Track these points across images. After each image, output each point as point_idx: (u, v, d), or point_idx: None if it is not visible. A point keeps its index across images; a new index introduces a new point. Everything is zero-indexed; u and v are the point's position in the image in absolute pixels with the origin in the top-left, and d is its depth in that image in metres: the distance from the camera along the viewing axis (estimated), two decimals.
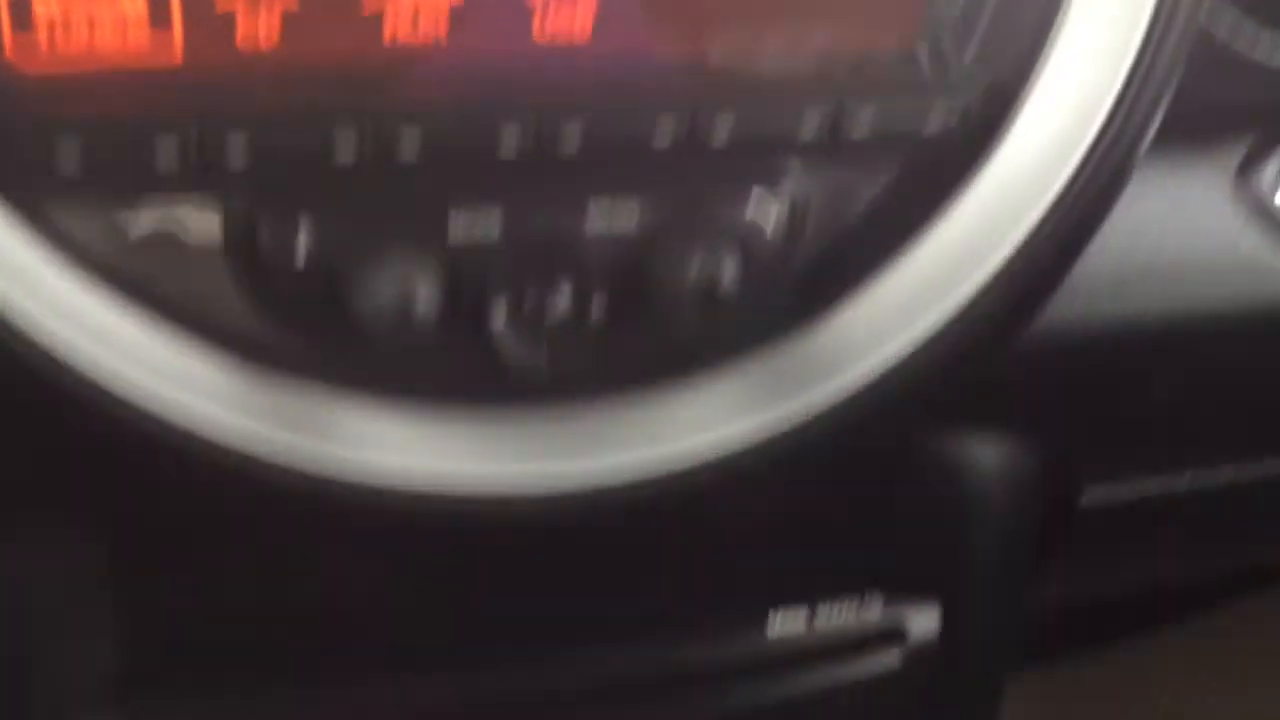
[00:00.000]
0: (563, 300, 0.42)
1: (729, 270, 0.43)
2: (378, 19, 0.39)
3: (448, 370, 0.43)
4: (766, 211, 0.43)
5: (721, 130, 0.42)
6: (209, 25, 0.38)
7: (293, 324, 0.41)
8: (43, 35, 0.37)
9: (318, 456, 0.42)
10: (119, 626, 0.49)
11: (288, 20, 0.39)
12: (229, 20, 0.38)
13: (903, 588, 0.56)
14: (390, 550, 0.48)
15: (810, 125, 0.43)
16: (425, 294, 0.41)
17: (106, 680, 0.49)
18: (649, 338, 0.44)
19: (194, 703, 0.50)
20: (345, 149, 0.39)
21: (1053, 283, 0.48)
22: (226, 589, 0.50)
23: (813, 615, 0.54)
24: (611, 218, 0.42)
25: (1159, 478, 0.62)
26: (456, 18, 0.40)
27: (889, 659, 0.55)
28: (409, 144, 0.40)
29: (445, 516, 0.43)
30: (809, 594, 0.54)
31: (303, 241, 0.40)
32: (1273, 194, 0.55)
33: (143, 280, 0.40)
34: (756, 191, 0.43)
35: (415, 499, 0.42)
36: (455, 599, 0.52)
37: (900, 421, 0.50)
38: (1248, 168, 0.54)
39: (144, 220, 0.40)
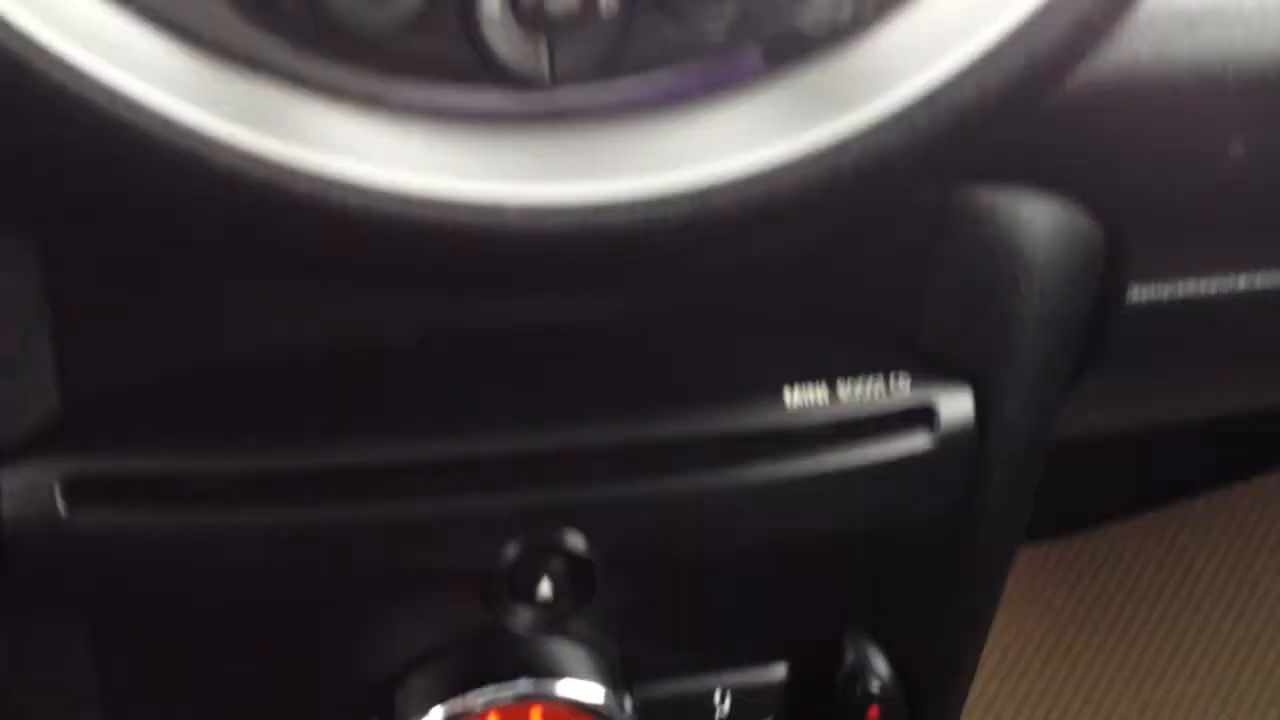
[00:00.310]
0: None
1: None
2: None
3: (432, 69, 0.38)
4: None
5: None
6: None
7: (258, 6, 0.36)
8: None
9: (282, 156, 0.37)
10: (55, 358, 0.44)
11: None
12: None
13: (933, 367, 0.51)
14: (359, 277, 0.42)
15: None
16: None
17: (41, 424, 0.45)
18: (667, 40, 0.38)
19: (137, 452, 0.45)
20: None
21: (1119, 8, 0.42)
22: (173, 317, 0.45)
23: (833, 391, 0.49)
24: None
25: (1215, 277, 0.57)
26: None
27: (918, 441, 0.50)
28: None
29: (427, 233, 0.38)
30: (829, 367, 0.49)
31: None
32: None
33: None
34: None
35: (391, 205, 0.37)
36: (440, 349, 0.47)
37: (939, 163, 0.44)
38: None
39: None
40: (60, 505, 0.44)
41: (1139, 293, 0.57)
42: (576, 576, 0.48)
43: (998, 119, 0.42)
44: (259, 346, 0.45)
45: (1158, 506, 1.36)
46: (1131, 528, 1.35)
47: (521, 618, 0.49)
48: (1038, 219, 0.50)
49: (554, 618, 0.49)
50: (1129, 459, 1.35)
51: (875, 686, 0.57)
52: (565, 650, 0.53)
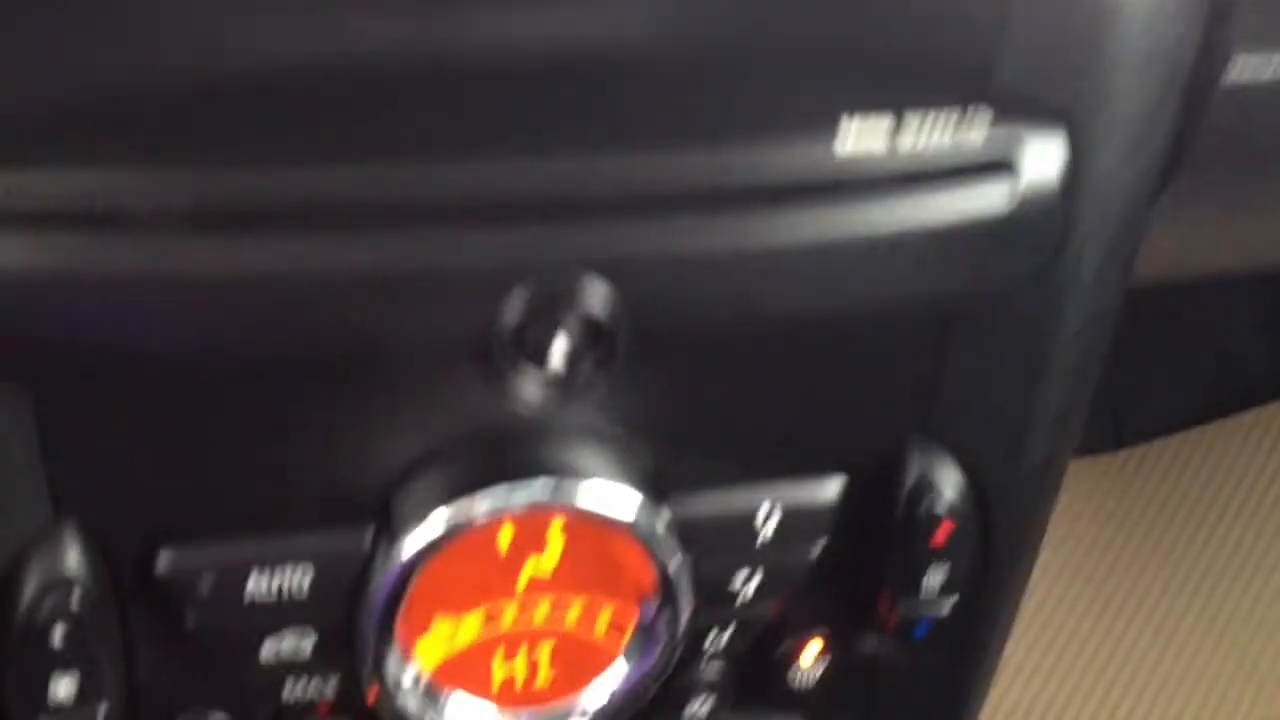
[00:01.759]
0: None
1: None
2: None
3: None
4: None
5: None
6: None
7: None
8: None
9: None
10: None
11: None
12: None
13: (1018, 102, 0.43)
14: None
15: None
16: None
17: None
18: None
19: (75, 172, 0.38)
20: None
21: None
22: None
23: (900, 126, 0.42)
24: None
25: None
26: None
27: (997, 191, 0.43)
28: None
29: None
30: (895, 99, 0.42)
31: None
32: None
33: None
34: None
35: None
36: (439, 62, 0.39)
37: None
38: None
39: None
40: None
41: (1239, 70, 0.51)
42: (594, 335, 0.41)
43: None
44: (223, 53, 0.38)
45: (1226, 415, 1.30)
46: (1201, 436, 1.28)
47: (531, 386, 0.42)
48: None
49: (570, 387, 0.42)
50: (1196, 365, 1.30)
51: (945, 502, 0.50)
52: (591, 449, 0.46)
